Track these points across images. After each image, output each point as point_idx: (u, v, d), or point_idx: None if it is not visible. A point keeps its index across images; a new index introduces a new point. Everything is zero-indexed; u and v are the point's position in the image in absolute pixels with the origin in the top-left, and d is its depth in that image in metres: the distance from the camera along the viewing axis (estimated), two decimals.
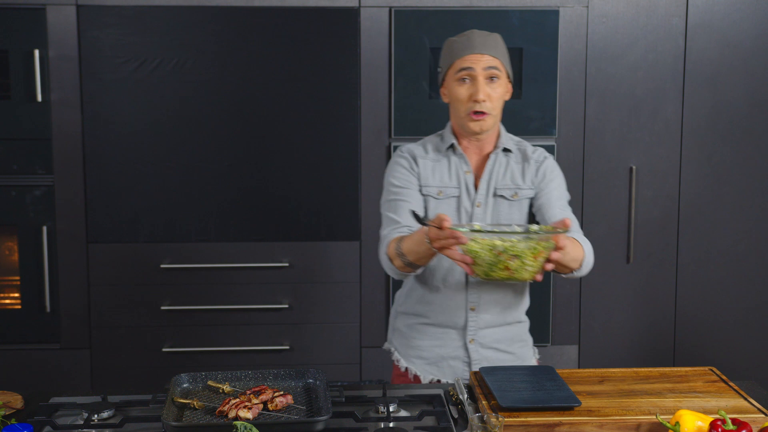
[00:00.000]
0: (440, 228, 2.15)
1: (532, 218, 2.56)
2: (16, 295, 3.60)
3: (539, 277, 2.17)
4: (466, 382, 2.35)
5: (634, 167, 3.66)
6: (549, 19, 3.56)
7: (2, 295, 3.64)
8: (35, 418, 2.11)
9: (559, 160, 3.63)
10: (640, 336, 3.73)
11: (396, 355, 2.62)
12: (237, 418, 2.05)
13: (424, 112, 3.56)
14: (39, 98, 3.46)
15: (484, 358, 2.54)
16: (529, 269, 2.14)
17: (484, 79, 2.43)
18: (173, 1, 3.47)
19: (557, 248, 2.16)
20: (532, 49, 3.56)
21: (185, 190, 3.55)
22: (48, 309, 3.56)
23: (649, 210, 3.70)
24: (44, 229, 3.52)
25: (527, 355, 2.62)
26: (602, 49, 3.61)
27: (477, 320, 2.52)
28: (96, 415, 2.12)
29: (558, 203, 2.52)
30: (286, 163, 3.56)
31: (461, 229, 2.13)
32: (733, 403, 2.17)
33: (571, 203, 2.60)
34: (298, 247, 3.60)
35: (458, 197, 2.51)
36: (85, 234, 3.55)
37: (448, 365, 2.53)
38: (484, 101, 2.42)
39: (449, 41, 2.51)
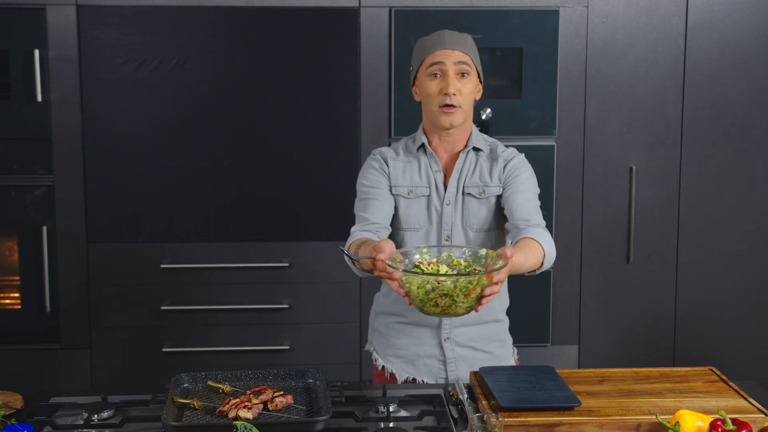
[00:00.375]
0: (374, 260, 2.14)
1: (503, 215, 2.54)
2: (16, 295, 3.60)
3: (478, 310, 2.14)
4: (465, 382, 2.35)
5: (634, 167, 3.66)
6: (549, 19, 3.56)
7: (2, 295, 3.64)
8: (35, 418, 2.11)
9: (559, 160, 3.63)
10: (640, 336, 3.73)
11: (374, 355, 2.64)
12: (237, 418, 2.05)
13: None
14: (39, 98, 3.46)
15: (460, 357, 2.54)
16: (462, 305, 2.10)
17: (455, 74, 2.46)
18: (173, 1, 3.47)
19: (493, 283, 2.10)
20: (532, 49, 3.56)
21: (185, 190, 3.55)
22: (48, 309, 3.56)
23: (649, 210, 3.69)
24: (44, 229, 3.52)
25: (506, 354, 2.61)
26: (602, 49, 3.61)
27: (451, 319, 2.52)
28: (96, 415, 2.12)
29: (523, 195, 2.49)
30: (286, 163, 3.56)
31: (394, 265, 2.11)
32: (733, 403, 2.17)
33: (541, 197, 2.55)
34: (298, 247, 3.60)
35: (428, 196, 2.53)
36: (85, 234, 3.55)
37: (423, 363, 2.54)
38: (454, 95, 2.44)
39: (421, 40, 2.53)
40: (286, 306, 3.62)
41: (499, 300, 2.59)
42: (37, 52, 3.44)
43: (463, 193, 2.52)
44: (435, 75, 2.47)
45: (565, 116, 3.62)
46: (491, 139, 2.60)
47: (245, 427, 1.92)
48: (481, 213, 2.52)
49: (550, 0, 3.57)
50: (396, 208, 2.54)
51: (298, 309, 3.64)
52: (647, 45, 3.63)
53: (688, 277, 3.73)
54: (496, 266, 2.10)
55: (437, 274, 2.10)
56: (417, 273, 2.12)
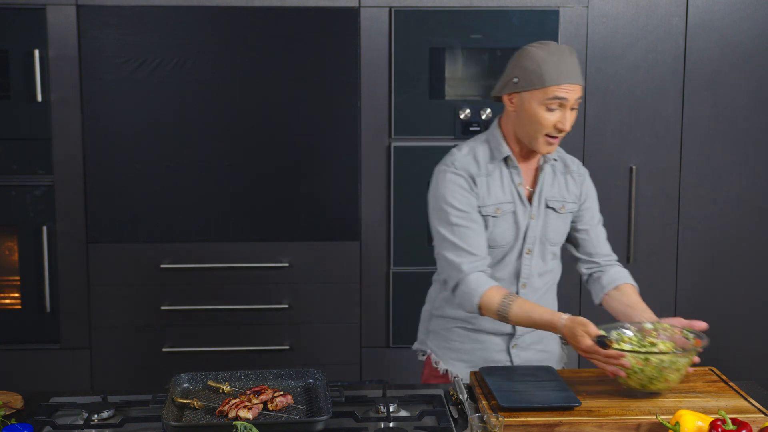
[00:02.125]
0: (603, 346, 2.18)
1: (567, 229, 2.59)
2: (16, 295, 3.60)
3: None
4: (466, 382, 2.35)
5: (634, 167, 3.66)
6: (549, 19, 3.56)
7: (2, 295, 3.64)
8: (35, 418, 2.11)
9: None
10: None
11: (434, 357, 2.61)
12: (237, 418, 2.05)
13: (424, 112, 3.56)
14: (39, 98, 3.46)
15: (524, 360, 2.56)
16: (682, 376, 2.21)
17: (570, 108, 2.38)
18: (173, 1, 3.47)
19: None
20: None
21: (185, 190, 3.55)
22: (48, 309, 3.56)
23: (649, 210, 3.69)
24: (44, 229, 3.52)
25: (555, 348, 2.65)
26: (602, 49, 3.61)
27: (523, 327, 2.53)
28: (96, 415, 2.12)
29: (598, 222, 2.60)
30: (286, 163, 3.56)
31: (623, 349, 2.19)
32: (733, 403, 2.17)
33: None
34: (298, 247, 3.60)
35: (514, 212, 2.47)
36: (85, 234, 3.54)
37: None
38: (568, 130, 2.39)
39: (538, 60, 2.36)
40: (286, 306, 3.62)
41: (554, 303, 2.63)
42: (37, 52, 3.44)
43: (546, 207, 2.50)
44: (552, 108, 2.36)
45: None
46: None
47: (245, 427, 1.92)
48: (558, 227, 2.52)
49: (550, 0, 3.56)
50: (485, 228, 2.47)
51: (298, 309, 3.64)
52: (647, 45, 3.63)
53: (688, 277, 3.73)
54: (702, 338, 2.26)
55: (671, 353, 2.17)
56: (654, 353, 2.17)
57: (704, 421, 1.97)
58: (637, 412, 2.11)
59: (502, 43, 3.55)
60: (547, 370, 2.35)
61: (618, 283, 2.56)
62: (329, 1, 3.51)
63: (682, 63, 3.65)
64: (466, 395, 2.19)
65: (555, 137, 2.39)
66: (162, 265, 3.56)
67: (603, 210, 3.68)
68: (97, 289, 3.57)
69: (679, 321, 2.34)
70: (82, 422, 2.11)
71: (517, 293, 2.50)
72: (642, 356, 2.15)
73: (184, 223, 3.57)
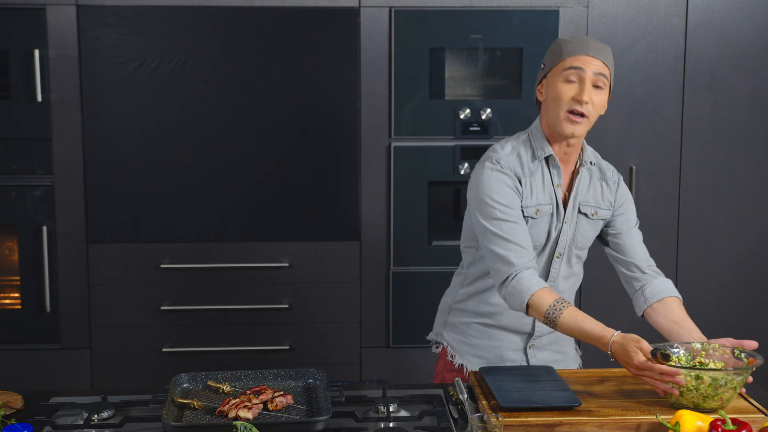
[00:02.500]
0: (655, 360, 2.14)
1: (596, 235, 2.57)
2: (16, 295, 3.60)
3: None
4: (466, 382, 2.35)
5: (634, 167, 3.66)
6: (549, 19, 3.56)
7: (2, 295, 3.64)
8: (35, 418, 2.11)
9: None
10: (640, 336, 3.73)
11: (449, 350, 2.59)
12: (237, 418, 2.05)
13: (424, 112, 3.56)
14: (39, 98, 3.46)
15: (540, 360, 2.55)
16: (736, 394, 2.17)
17: (591, 84, 2.35)
18: (173, 1, 3.47)
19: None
20: (532, 49, 3.56)
21: (185, 190, 3.55)
22: (48, 309, 3.56)
23: (649, 210, 3.69)
24: (44, 229, 3.52)
25: (570, 350, 2.64)
26: None
27: (542, 328, 2.52)
28: (96, 415, 2.12)
29: (637, 230, 2.56)
30: (286, 163, 3.56)
31: (681, 365, 2.17)
32: (733, 403, 2.17)
33: None
34: (298, 247, 3.60)
35: (552, 214, 2.45)
36: (85, 234, 3.54)
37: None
38: (587, 103, 2.34)
39: (560, 41, 2.41)
40: (286, 306, 3.62)
41: (576, 302, 2.63)
42: (37, 52, 3.44)
43: (579, 212, 2.48)
44: (571, 80, 2.35)
45: None
46: (592, 150, 2.54)
47: (245, 427, 1.92)
48: (588, 234, 2.50)
49: (550, 0, 3.57)
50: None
51: (298, 309, 3.64)
52: (647, 45, 3.63)
53: (688, 277, 3.73)
54: (756, 357, 2.20)
55: (727, 370, 2.12)
56: (710, 369, 2.13)
57: (704, 421, 1.97)
58: (637, 412, 2.11)
59: (502, 43, 3.55)
60: (547, 370, 2.35)
61: (662, 296, 2.48)
62: (329, 1, 3.51)
63: (682, 63, 3.65)
64: (466, 395, 2.19)
65: (577, 114, 2.35)
66: (162, 265, 3.56)
67: None
68: (97, 289, 3.57)
69: (729, 341, 2.27)
70: (82, 422, 2.11)
71: None
72: (695, 374, 2.10)
73: (184, 223, 3.57)
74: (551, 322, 2.29)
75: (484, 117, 3.56)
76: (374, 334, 3.66)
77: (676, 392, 2.12)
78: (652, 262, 2.56)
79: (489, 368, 2.33)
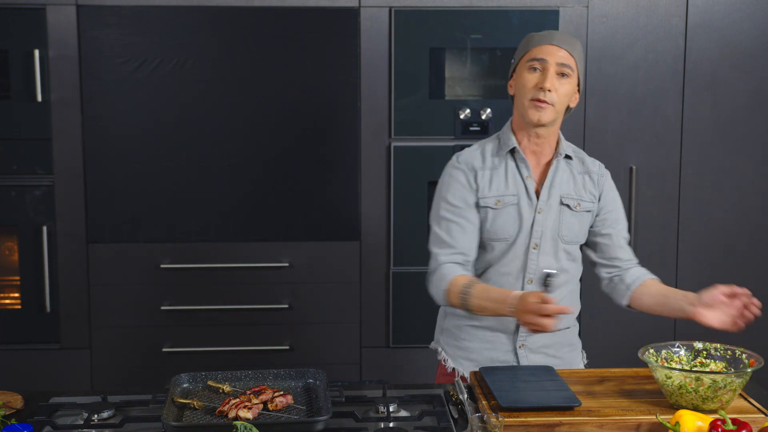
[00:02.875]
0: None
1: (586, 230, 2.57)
2: (16, 295, 3.60)
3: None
4: (466, 382, 2.35)
5: (634, 167, 3.66)
6: (549, 19, 3.56)
7: (2, 295, 3.64)
8: (35, 418, 2.11)
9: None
10: (640, 336, 3.73)
11: (443, 355, 2.60)
12: (237, 418, 2.05)
13: (424, 112, 3.56)
14: (39, 98, 3.46)
15: (532, 362, 2.53)
16: (736, 396, 2.16)
17: (555, 73, 2.42)
18: (173, 1, 3.47)
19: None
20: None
21: (185, 190, 3.55)
22: (48, 309, 3.56)
23: (649, 210, 3.70)
24: (44, 229, 3.52)
25: (575, 358, 2.62)
26: (602, 49, 3.61)
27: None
28: (96, 415, 2.12)
29: (623, 227, 2.58)
30: (286, 163, 3.56)
31: (679, 369, 2.15)
32: (733, 403, 2.17)
33: None
34: (298, 247, 3.60)
35: (517, 204, 2.47)
36: (85, 234, 3.55)
37: None
38: (549, 90, 2.40)
39: (529, 35, 2.49)
40: (286, 306, 3.62)
41: (576, 307, 2.60)
42: (37, 52, 3.44)
43: (560, 203, 2.49)
44: (534, 69, 2.42)
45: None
46: (574, 146, 2.59)
47: (245, 427, 1.92)
48: (573, 226, 2.50)
49: (550, 0, 3.57)
50: (484, 220, 2.48)
51: (298, 309, 3.64)
52: (647, 45, 3.63)
53: (688, 278, 3.73)
54: (757, 358, 2.20)
55: (726, 372, 2.12)
56: (713, 373, 2.12)
57: (704, 421, 1.97)
58: (637, 412, 2.11)
59: (502, 43, 3.55)
60: (547, 370, 2.35)
61: (643, 280, 2.53)
62: (329, 1, 3.51)
63: (682, 63, 3.65)
64: (466, 395, 2.19)
65: (541, 101, 2.40)
66: (162, 265, 3.56)
67: None
68: (97, 289, 3.57)
69: (719, 289, 2.31)
70: (82, 422, 2.11)
71: (522, 288, 2.48)
72: (694, 376, 2.10)
73: (184, 223, 3.57)
74: (465, 301, 2.36)
75: (484, 117, 3.56)
76: (374, 334, 3.66)
77: (552, 324, 2.17)
78: (634, 259, 2.59)
79: (489, 368, 2.33)
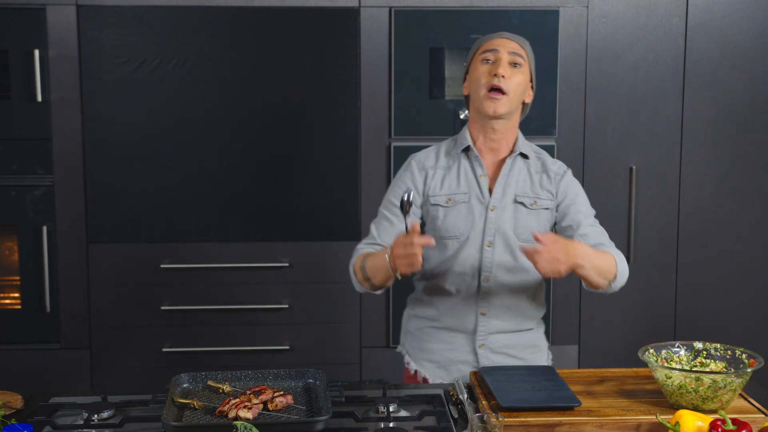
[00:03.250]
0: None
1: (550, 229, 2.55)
2: (16, 295, 3.60)
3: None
4: (467, 382, 2.35)
5: (634, 167, 3.66)
6: (549, 19, 3.56)
7: (2, 295, 3.64)
8: (35, 418, 2.11)
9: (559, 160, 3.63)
10: (640, 336, 3.73)
11: (407, 358, 2.61)
12: (237, 418, 2.05)
13: (424, 112, 3.56)
14: (39, 98, 3.46)
15: (494, 363, 2.52)
16: (736, 396, 2.15)
17: (507, 62, 2.45)
18: (173, 1, 3.47)
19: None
20: (532, 49, 3.55)
21: (185, 190, 3.55)
22: (48, 309, 3.56)
23: (649, 210, 3.70)
24: (44, 229, 3.52)
25: (539, 360, 2.60)
26: (602, 49, 3.61)
27: (487, 325, 2.50)
28: (96, 415, 2.12)
29: (587, 220, 2.52)
30: (286, 163, 3.57)
31: (680, 369, 2.14)
32: (733, 403, 2.17)
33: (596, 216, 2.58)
34: (298, 247, 3.60)
35: (468, 203, 2.48)
36: (85, 234, 3.55)
37: (457, 369, 2.51)
38: (503, 77, 2.42)
39: (481, 37, 2.55)
40: (286, 306, 3.62)
41: (536, 308, 2.58)
42: (37, 52, 3.44)
43: (514, 201, 2.49)
44: (487, 60, 2.45)
45: (565, 116, 3.62)
46: (536, 147, 2.58)
47: (245, 427, 1.92)
48: (530, 224, 2.49)
49: (550, 0, 3.57)
50: (435, 218, 2.50)
51: (298, 309, 3.64)
52: (647, 45, 3.63)
53: (688, 277, 3.73)
54: (756, 358, 2.18)
55: (726, 372, 2.11)
56: (713, 373, 2.11)
57: (704, 421, 1.97)
58: (637, 412, 2.11)
59: None
60: (547, 370, 2.35)
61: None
62: (329, 1, 3.51)
63: (682, 63, 3.65)
64: (466, 395, 2.19)
65: (497, 90, 2.42)
66: (162, 265, 3.56)
67: (603, 210, 3.69)
68: (97, 289, 3.57)
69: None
70: (82, 422, 2.11)
71: (479, 287, 2.48)
72: (694, 376, 2.10)
73: (184, 223, 3.57)
74: (364, 271, 2.43)
75: None
76: (374, 334, 3.66)
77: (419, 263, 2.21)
78: (608, 243, 2.50)
79: (489, 368, 2.33)
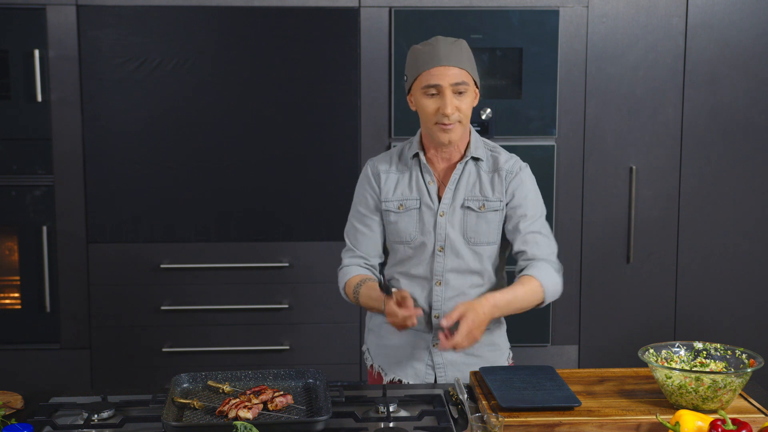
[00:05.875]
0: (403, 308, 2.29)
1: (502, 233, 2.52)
2: (16, 295, 3.60)
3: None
4: (466, 382, 2.35)
5: (634, 167, 3.66)
6: (549, 19, 3.56)
7: (2, 295, 3.64)
8: (35, 418, 2.11)
9: (559, 160, 3.63)
10: (640, 336, 3.73)
11: (366, 354, 2.64)
12: (237, 418, 2.05)
13: None
14: (39, 98, 3.46)
15: (449, 362, 2.51)
16: (736, 396, 2.15)
17: (452, 93, 2.38)
18: (173, 1, 3.47)
19: None
20: (532, 49, 3.56)
21: (185, 190, 3.55)
22: (48, 309, 3.56)
23: (649, 210, 3.70)
24: (44, 229, 3.52)
25: (498, 359, 2.57)
26: (602, 49, 3.61)
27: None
28: (96, 415, 2.12)
29: (526, 224, 2.45)
30: (286, 163, 3.57)
31: (679, 369, 2.13)
32: (733, 403, 2.17)
33: (548, 217, 2.53)
34: (298, 247, 3.61)
35: (419, 209, 2.49)
36: (85, 234, 3.55)
37: (411, 366, 2.53)
38: (452, 114, 2.38)
39: (414, 50, 2.43)
40: (286, 306, 3.62)
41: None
42: (37, 52, 3.44)
43: (462, 206, 2.47)
44: (432, 95, 2.39)
45: (565, 116, 3.62)
46: (492, 144, 2.54)
47: (245, 427, 1.92)
48: (480, 227, 2.48)
49: (550, 0, 3.57)
50: (387, 223, 2.52)
51: (298, 309, 3.64)
52: (647, 45, 3.63)
53: (688, 277, 3.73)
54: (756, 358, 2.18)
55: (726, 372, 2.10)
56: (713, 373, 2.11)
57: (704, 421, 1.97)
58: (637, 412, 2.11)
59: (502, 43, 3.55)
60: (547, 370, 2.35)
61: (519, 276, 2.44)
62: (329, 1, 3.51)
63: (682, 63, 3.65)
64: (466, 395, 2.19)
65: (447, 124, 2.39)
66: (162, 265, 3.56)
67: (603, 210, 3.69)
68: (97, 289, 3.57)
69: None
70: (82, 422, 2.11)
71: (431, 291, 2.49)
72: (694, 376, 2.09)
73: (184, 223, 3.57)
74: (356, 297, 2.49)
75: (484, 117, 3.56)
76: None
77: (414, 323, 2.28)
78: (542, 254, 2.45)
79: (489, 368, 2.33)
